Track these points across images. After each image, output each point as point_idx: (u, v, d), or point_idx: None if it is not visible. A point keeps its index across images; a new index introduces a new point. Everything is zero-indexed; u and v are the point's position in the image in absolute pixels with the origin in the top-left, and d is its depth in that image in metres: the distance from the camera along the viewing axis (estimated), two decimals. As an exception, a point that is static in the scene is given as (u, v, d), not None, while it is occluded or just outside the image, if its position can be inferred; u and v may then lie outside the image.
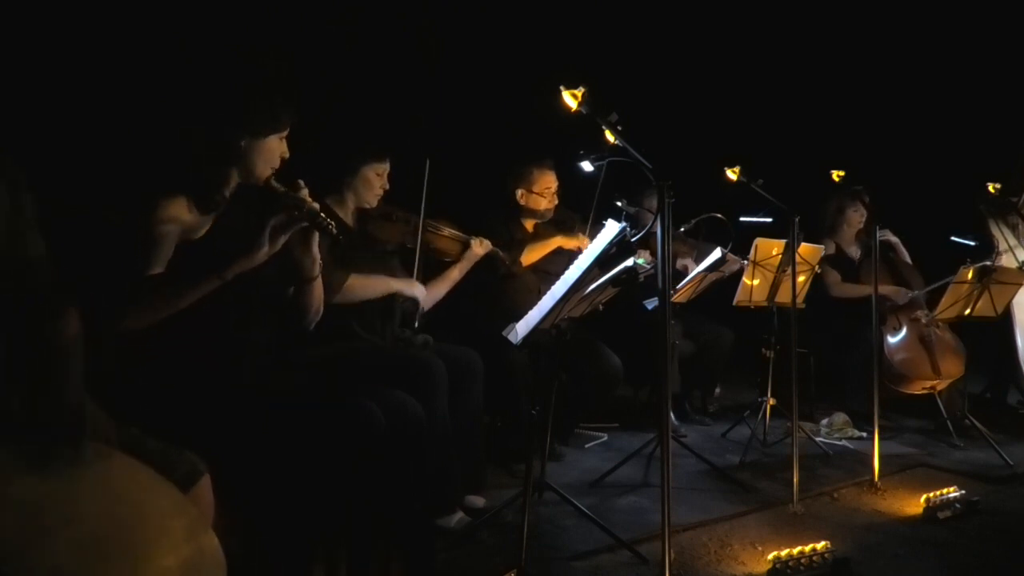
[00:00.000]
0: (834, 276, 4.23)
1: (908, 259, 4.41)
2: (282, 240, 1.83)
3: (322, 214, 1.86)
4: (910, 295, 4.09)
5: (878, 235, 3.34)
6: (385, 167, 2.74)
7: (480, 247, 3.11)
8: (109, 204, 1.99)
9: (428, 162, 2.86)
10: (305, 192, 1.88)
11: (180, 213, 1.82)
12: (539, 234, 3.54)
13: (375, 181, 2.71)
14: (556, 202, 3.50)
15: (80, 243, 1.86)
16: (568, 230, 3.59)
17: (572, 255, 2.99)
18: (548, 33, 4.47)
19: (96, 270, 1.77)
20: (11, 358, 1.15)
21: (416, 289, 2.80)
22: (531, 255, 3.41)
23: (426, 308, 2.89)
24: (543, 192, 3.45)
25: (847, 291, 4.21)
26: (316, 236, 1.95)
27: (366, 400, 1.93)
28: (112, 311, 1.71)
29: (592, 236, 2.94)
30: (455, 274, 3.08)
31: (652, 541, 2.47)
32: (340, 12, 3.68)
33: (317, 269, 2.00)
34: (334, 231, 1.88)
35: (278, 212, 1.82)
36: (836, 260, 4.30)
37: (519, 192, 3.47)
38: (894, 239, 4.37)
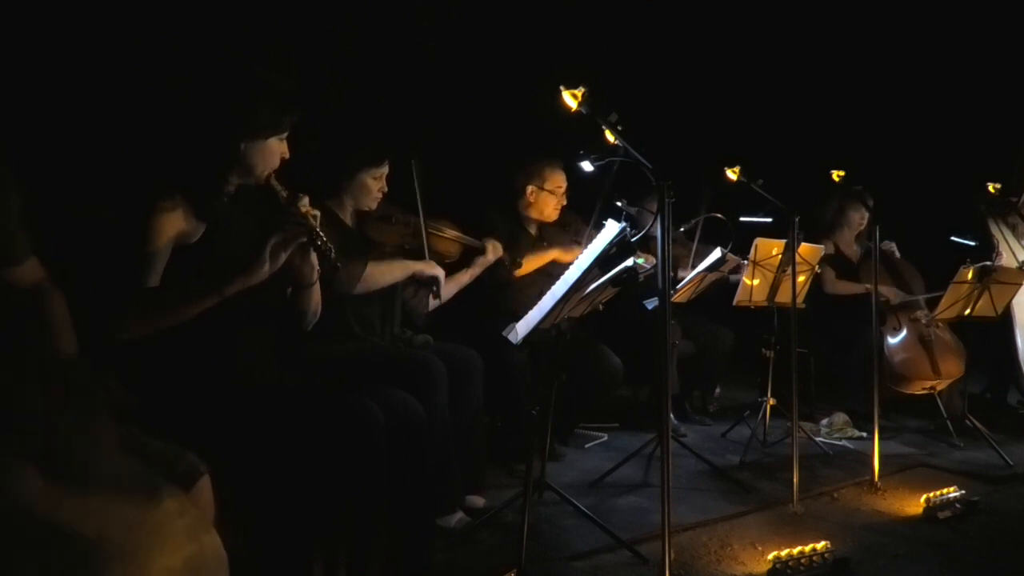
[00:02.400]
0: (829, 273, 4.23)
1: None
2: (283, 257, 1.81)
3: (322, 235, 1.84)
4: (906, 298, 4.10)
5: (879, 245, 3.33)
6: (383, 171, 2.68)
7: (493, 252, 3.10)
8: (105, 206, 1.98)
9: (414, 164, 2.83)
10: (306, 202, 1.86)
11: (177, 221, 1.80)
12: (543, 237, 3.53)
13: (372, 186, 2.66)
14: (564, 203, 3.49)
15: (78, 249, 1.85)
16: (569, 237, 3.57)
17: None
18: (548, 33, 4.47)
19: (94, 278, 1.76)
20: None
21: (435, 268, 2.77)
22: (529, 265, 3.34)
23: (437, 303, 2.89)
24: (554, 190, 3.44)
25: (841, 288, 4.22)
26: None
27: (366, 399, 1.93)
28: (111, 321, 1.71)
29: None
30: (465, 278, 3.08)
31: (652, 541, 2.47)
32: (340, 12, 3.67)
33: (315, 276, 1.99)
34: (331, 256, 1.85)
35: (278, 230, 1.79)
36: (834, 260, 4.31)
37: (529, 188, 3.44)
38: (890, 247, 4.36)
